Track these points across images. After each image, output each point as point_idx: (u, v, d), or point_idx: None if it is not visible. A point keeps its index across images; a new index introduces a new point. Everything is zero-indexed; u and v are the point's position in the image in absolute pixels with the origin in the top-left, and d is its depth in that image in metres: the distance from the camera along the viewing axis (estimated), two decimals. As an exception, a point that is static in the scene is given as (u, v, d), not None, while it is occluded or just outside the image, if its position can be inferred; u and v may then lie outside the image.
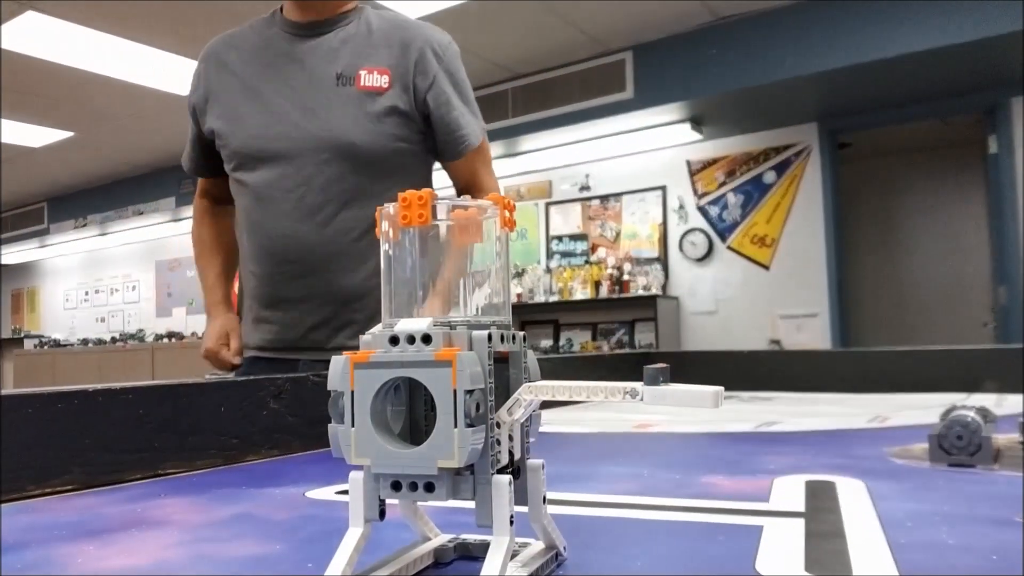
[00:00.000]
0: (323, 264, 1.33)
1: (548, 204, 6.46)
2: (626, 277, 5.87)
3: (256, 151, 1.36)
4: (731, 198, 5.69)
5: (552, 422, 1.21)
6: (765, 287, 5.53)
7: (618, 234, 6.14)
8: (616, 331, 6.07)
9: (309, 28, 1.39)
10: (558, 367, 1.74)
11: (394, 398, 0.39)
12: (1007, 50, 4.13)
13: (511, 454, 0.40)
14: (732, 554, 0.45)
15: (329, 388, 0.38)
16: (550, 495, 0.44)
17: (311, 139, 1.33)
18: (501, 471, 0.38)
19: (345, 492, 0.40)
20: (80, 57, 5.05)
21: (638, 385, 0.37)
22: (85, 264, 9.73)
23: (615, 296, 5.85)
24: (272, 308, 1.38)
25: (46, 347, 9.38)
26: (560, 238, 6.40)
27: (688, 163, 5.84)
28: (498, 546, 0.36)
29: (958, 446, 0.72)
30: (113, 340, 8.85)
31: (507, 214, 0.41)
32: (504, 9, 4.49)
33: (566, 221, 6.40)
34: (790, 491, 0.63)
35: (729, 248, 5.68)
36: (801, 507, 0.57)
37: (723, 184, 5.72)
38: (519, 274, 6.28)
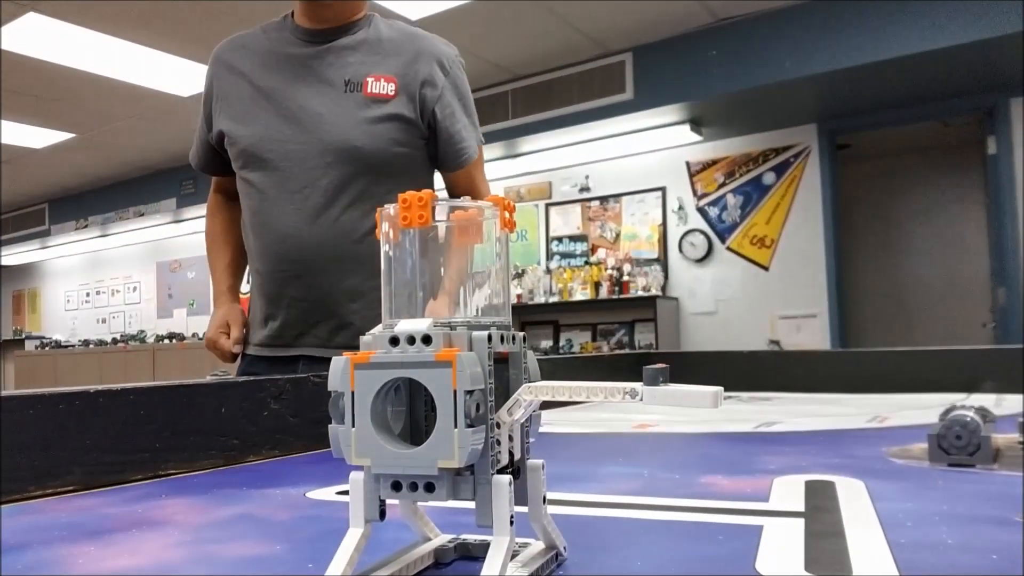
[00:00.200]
0: (325, 264, 1.36)
1: (548, 205, 6.47)
2: (626, 278, 5.87)
3: (262, 152, 1.38)
4: (730, 199, 5.69)
5: (552, 422, 1.21)
6: (764, 288, 5.53)
7: (618, 235, 6.15)
8: (616, 332, 6.07)
9: (320, 35, 1.40)
10: (558, 367, 1.74)
11: (394, 399, 0.39)
12: (1007, 51, 4.13)
13: (511, 454, 0.40)
14: (732, 554, 0.45)
15: (329, 388, 0.38)
16: (550, 495, 0.44)
17: (316, 142, 1.35)
18: (501, 471, 0.38)
19: (345, 492, 0.40)
20: (81, 58, 5.05)
21: (638, 385, 0.37)
22: (86, 265, 9.74)
23: (615, 297, 5.85)
24: (275, 306, 1.40)
25: (47, 348, 9.38)
26: (560, 239, 6.40)
27: (688, 164, 5.84)
28: (498, 546, 0.36)
29: (957, 446, 0.72)
30: (114, 341, 8.85)
31: (507, 215, 0.41)
32: (504, 10, 4.49)
33: (566, 222, 6.40)
34: (790, 491, 0.63)
35: (728, 249, 5.68)
36: (801, 507, 0.57)
37: (723, 185, 5.72)
38: (519, 275, 6.28)
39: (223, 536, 0.54)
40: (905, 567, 0.42)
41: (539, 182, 6.44)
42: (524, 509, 0.41)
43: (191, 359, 7.35)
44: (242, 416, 0.88)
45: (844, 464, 0.76)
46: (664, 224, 5.93)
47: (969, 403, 0.80)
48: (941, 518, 0.53)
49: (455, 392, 0.35)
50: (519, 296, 6.20)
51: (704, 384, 0.36)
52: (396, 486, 0.37)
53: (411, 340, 0.37)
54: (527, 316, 6.28)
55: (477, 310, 0.41)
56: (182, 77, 5.29)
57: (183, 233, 8.14)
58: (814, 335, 5.29)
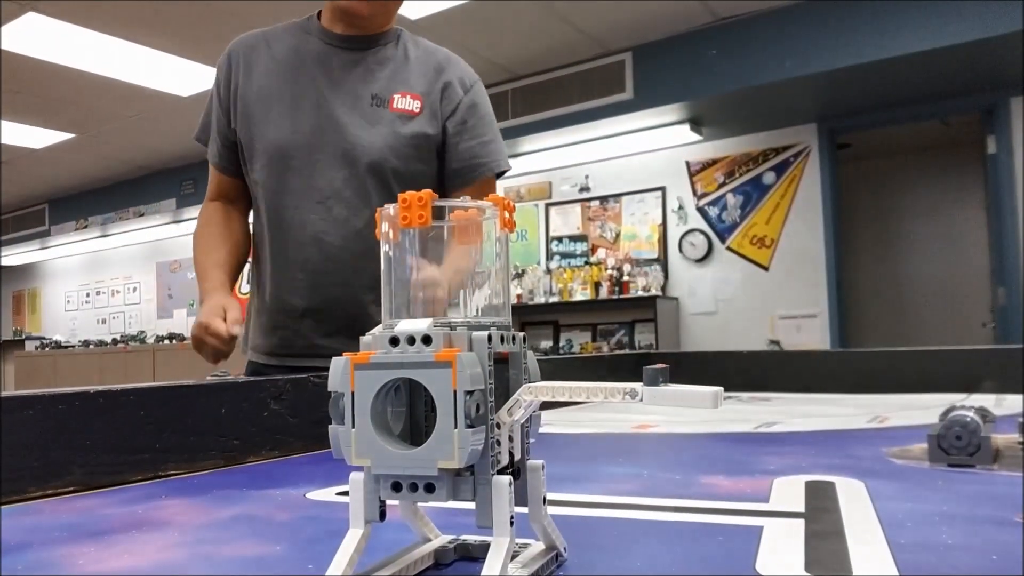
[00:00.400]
0: (348, 276, 1.35)
1: (548, 205, 6.47)
2: (626, 278, 5.87)
3: (287, 157, 1.36)
4: (730, 199, 5.69)
5: (552, 422, 1.21)
6: (764, 288, 5.53)
7: (618, 235, 6.15)
8: (616, 332, 6.07)
9: (348, 42, 1.39)
10: (558, 368, 1.74)
11: (394, 399, 0.39)
12: (1007, 50, 4.13)
13: (511, 455, 0.40)
14: (732, 554, 0.45)
15: (329, 389, 0.38)
16: (550, 496, 0.44)
17: (342, 154, 1.35)
18: (501, 472, 0.38)
19: (345, 493, 0.40)
20: (80, 58, 5.05)
21: (638, 386, 0.37)
22: (86, 265, 9.74)
23: (615, 297, 5.85)
24: (289, 315, 1.37)
25: (47, 349, 9.38)
26: (560, 239, 6.40)
27: (688, 164, 5.84)
28: (498, 547, 0.36)
29: (957, 446, 0.72)
30: (114, 342, 8.85)
31: (507, 215, 0.41)
32: (504, 9, 4.49)
33: (566, 222, 6.40)
34: (790, 491, 0.63)
35: (728, 249, 5.68)
36: (801, 507, 0.57)
37: (722, 185, 5.72)
38: (519, 275, 6.28)
39: (223, 537, 0.54)
40: (905, 567, 0.42)
41: (539, 182, 6.44)
42: (524, 510, 0.41)
43: (191, 359, 7.31)
44: (242, 416, 0.88)
45: (844, 464, 0.76)
46: (664, 224, 5.93)
47: (969, 403, 0.80)
48: (941, 518, 0.53)
49: (455, 392, 0.35)
50: (519, 296, 6.20)
51: (704, 384, 0.36)
52: (396, 487, 0.37)
53: (411, 340, 0.37)
54: (527, 316, 6.28)
55: (477, 310, 0.41)
56: (182, 77, 5.29)
57: (183, 233, 8.14)
58: (814, 335, 5.30)
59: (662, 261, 5.90)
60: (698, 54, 4.83)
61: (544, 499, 0.42)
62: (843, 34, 4.33)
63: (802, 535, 0.49)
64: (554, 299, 6.10)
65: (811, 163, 5.40)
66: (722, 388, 0.36)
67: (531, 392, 0.38)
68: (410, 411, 0.40)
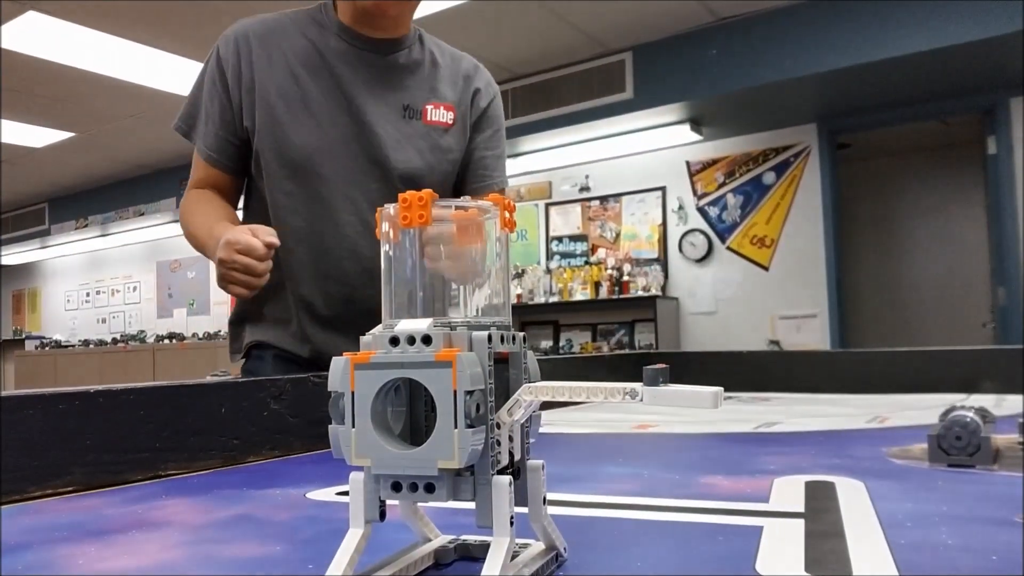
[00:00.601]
0: (377, 283, 1.28)
1: (548, 205, 6.47)
2: (626, 278, 5.87)
3: (317, 166, 1.29)
4: (730, 199, 5.69)
5: (552, 422, 1.21)
6: (764, 288, 5.53)
7: (618, 235, 6.15)
8: (616, 332, 6.07)
9: (375, 46, 1.32)
10: (558, 368, 1.74)
11: (394, 399, 0.39)
12: (1007, 50, 4.13)
13: (511, 455, 0.40)
14: (732, 554, 0.45)
15: (329, 389, 0.38)
16: (550, 496, 0.44)
17: (376, 165, 1.30)
18: (501, 472, 0.38)
19: (345, 493, 0.40)
20: (80, 57, 5.05)
21: (638, 386, 0.37)
22: (86, 265, 9.74)
23: (615, 297, 5.85)
24: (323, 325, 1.32)
25: (47, 348, 9.38)
26: (560, 239, 6.40)
27: (688, 164, 5.85)
28: (498, 547, 0.36)
29: (957, 446, 0.72)
30: (114, 341, 8.85)
31: (507, 215, 0.41)
32: (504, 9, 4.49)
33: (566, 222, 6.40)
34: (790, 491, 0.63)
35: (728, 249, 5.68)
36: (801, 507, 0.57)
37: (723, 185, 5.72)
38: (519, 275, 6.28)
39: (223, 536, 0.53)
40: (905, 568, 0.42)
41: (539, 182, 6.44)
42: (524, 510, 0.41)
43: (191, 359, 7.35)
44: (242, 416, 0.88)
45: (844, 465, 0.76)
46: (664, 224, 5.93)
47: (969, 403, 0.80)
48: (941, 519, 0.53)
49: (455, 392, 0.35)
50: (519, 296, 6.20)
51: (704, 384, 0.36)
52: (396, 487, 0.37)
53: (411, 340, 0.37)
54: (527, 316, 6.28)
55: (477, 310, 0.41)
56: (182, 77, 5.29)
57: (183, 233, 8.13)
58: (814, 335, 5.30)
59: (662, 261, 5.90)
60: (698, 54, 4.83)
61: (544, 499, 0.42)
62: (843, 34, 4.33)
63: (802, 535, 0.49)
64: (554, 299, 6.10)
65: (811, 163, 5.40)
66: (722, 388, 0.36)
67: (531, 392, 0.38)
68: (410, 411, 0.40)
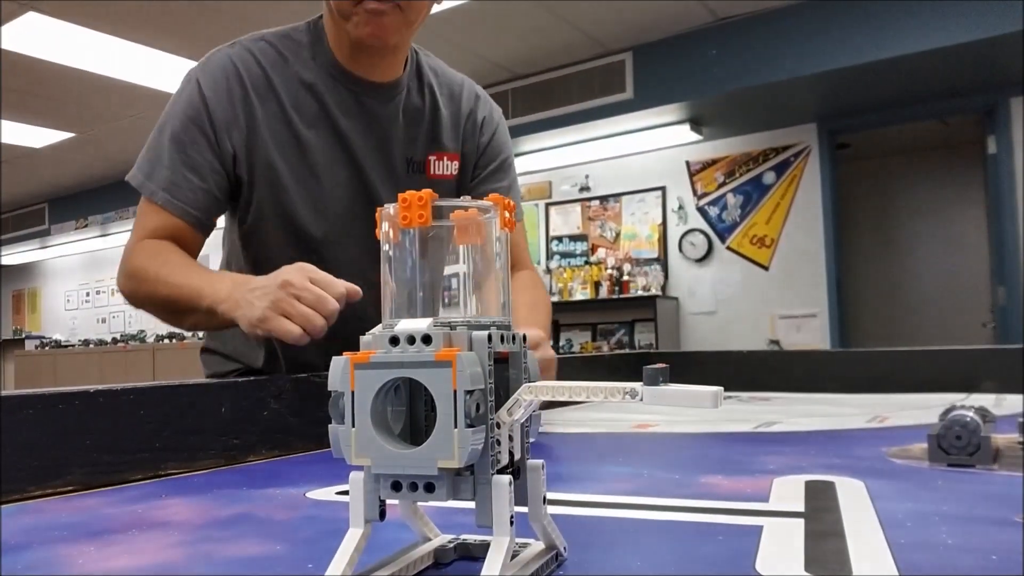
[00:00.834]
0: (368, 322, 1.13)
1: (548, 205, 6.47)
2: (626, 278, 5.88)
3: (317, 230, 1.19)
4: (730, 199, 5.69)
5: (552, 422, 1.21)
6: (764, 287, 5.53)
7: (618, 235, 6.15)
8: (616, 332, 6.07)
9: (374, 91, 1.20)
10: (558, 367, 1.73)
11: (394, 398, 0.39)
12: (1007, 50, 4.13)
13: (511, 454, 0.40)
14: (732, 554, 0.45)
15: (329, 388, 0.38)
16: (550, 495, 0.44)
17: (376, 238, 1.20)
18: (501, 471, 0.38)
19: (345, 493, 0.40)
20: (80, 57, 5.05)
21: (637, 385, 0.37)
22: (86, 265, 9.74)
23: (615, 297, 5.85)
24: (306, 367, 1.21)
25: (47, 348, 9.38)
26: (560, 239, 6.40)
27: (688, 164, 5.85)
28: (498, 546, 0.36)
29: (957, 446, 0.72)
30: (114, 341, 8.85)
31: (506, 215, 0.41)
32: (504, 9, 4.49)
33: (566, 222, 6.40)
34: (790, 491, 0.63)
35: (728, 248, 5.68)
36: (801, 507, 0.57)
37: (722, 185, 5.72)
38: (519, 275, 6.28)
39: (223, 536, 0.53)
40: (905, 567, 0.42)
41: (539, 181, 6.44)
42: (524, 509, 0.41)
43: (191, 359, 7.33)
44: (242, 416, 0.88)
45: (844, 464, 0.76)
46: (664, 224, 5.93)
47: (969, 403, 0.80)
48: (941, 518, 0.53)
49: (455, 392, 0.35)
50: (519, 296, 6.20)
51: (704, 384, 0.36)
52: (396, 486, 0.37)
53: (411, 340, 0.37)
54: (527, 316, 6.27)
55: (477, 310, 0.41)
56: (182, 77, 5.28)
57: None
58: (814, 335, 5.30)
59: (662, 261, 5.91)
60: (698, 54, 4.83)
61: (544, 499, 0.42)
62: (843, 34, 4.33)
63: (802, 535, 0.49)
64: (554, 299, 6.10)
65: (811, 163, 5.40)
66: (722, 388, 0.36)
67: (531, 392, 0.38)
68: (410, 411, 0.40)
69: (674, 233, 5.89)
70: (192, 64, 1.26)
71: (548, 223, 6.44)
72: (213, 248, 1.23)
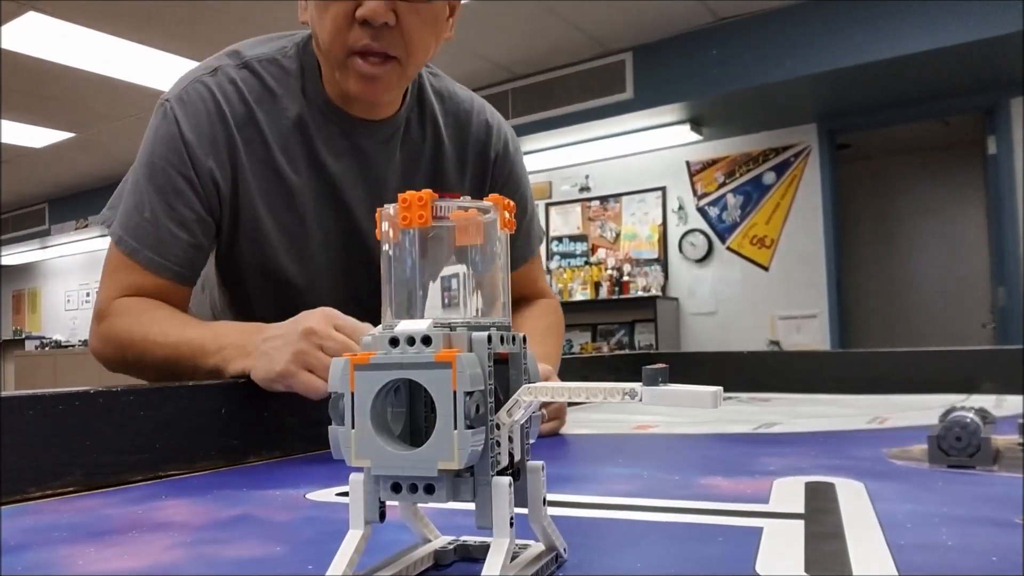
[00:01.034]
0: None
1: (548, 205, 6.47)
2: (626, 278, 5.88)
3: (309, 286, 1.11)
4: (731, 199, 5.69)
5: (552, 423, 1.21)
6: (764, 288, 5.53)
7: (618, 235, 6.15)
8: (616, 332, 6.07)
9: (369, 131, 1.10)
10: (558, 368, 1.73)
11: (394, 400, 0.39)
12: (1007, 50, 4.13)
13: (511, 455, 0.40)
14: (732, 555, 0.45)
15: (329, 390, 0.38)
16: (550, 496, 0.44)
17: (371, 276, 1.11)
18: (501, 473, 0.38)
19: (345, 494, 0.40)
20: (80, 57, 5.05)
21: (637, 386, 0.37)
22: (86, 265, 9.74)
23: (615, 297, 5.85)
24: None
25: (47, 348, 9.38)
26: (560, 239, 6.40)
27: (688, 164, 5.85)
28: (498, 548, 0.36)
29: (957, 447, 0.72)
30: (113, 341, 8.84)
31: (506, 215, 0.41)
32: (504, 9, 4.49)
33: (566, 222, 6.40)
34: (789, 492, 0.63)
35: (728, 249, 5.68)
36: (801, 508, 0.57)
37: (723, 185, 5.72)
38: (519, 275, 6.28)
39: (223, 537, 0.53)
40: (905, 568, 0.42)
41: (539, 182, 6.44)
42: (524, 510, 0.41)
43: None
44: (242, 416, 0.88)
45: (844, 465, 0.76)
46: (664, 224, 5.93)
47: (969, 404, 0.79)
48: (941, 520, 0.53)
49: (455, 393, 0.35)
50: (519, 296, 6.20)
51: (704, 384, 0.36)
52: (396, 487, 0.37)
53: (411, 341, 0.37)
54: (527, 316, 6.28)
55: (477, 311, 0.41)
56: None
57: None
58: (814, 335, 5.30)
59: (662, 261, 5.91)
60: (698, 54, 4.84)
61: (544, 500, 0.42)
62: (843, 34, 4.33)
63: (802, 536, 0.49)
64: (554, 299, 6.10)
65: (811, 163, 5.40)
66: (722, 388, 0.36)
67: (531, 392, 0.38)
68: (410, 412, 0.40)
69: (674, 233, 5.89)
70: (192, 64, 1.20)
71: (548, 223, 6.44)
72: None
